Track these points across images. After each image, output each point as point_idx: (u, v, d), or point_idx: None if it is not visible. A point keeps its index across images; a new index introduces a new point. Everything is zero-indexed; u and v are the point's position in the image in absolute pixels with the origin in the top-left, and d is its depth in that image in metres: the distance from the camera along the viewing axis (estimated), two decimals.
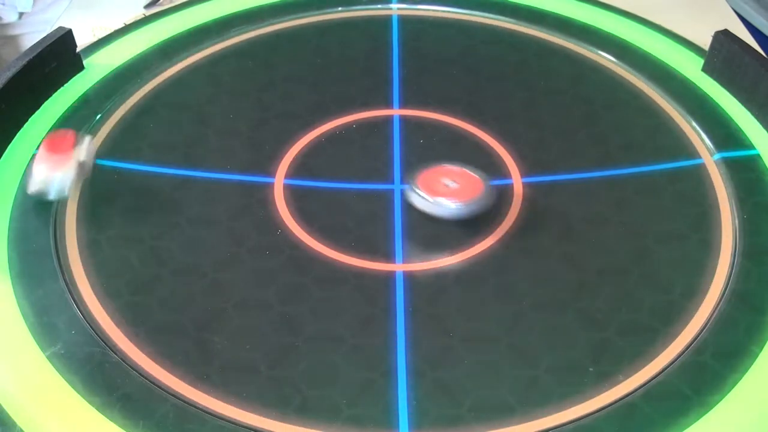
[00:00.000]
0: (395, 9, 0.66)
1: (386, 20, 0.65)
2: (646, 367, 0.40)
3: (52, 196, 0.46)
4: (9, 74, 0.51)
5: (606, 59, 0.61)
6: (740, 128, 0.54)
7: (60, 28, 0.56)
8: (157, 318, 0.42)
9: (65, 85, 0.57)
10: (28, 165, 0.49)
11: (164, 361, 0.40)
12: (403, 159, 0.52)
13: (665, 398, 0.39)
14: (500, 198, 0.49)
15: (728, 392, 0.39)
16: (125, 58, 0.59)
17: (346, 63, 0.60)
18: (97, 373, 0.39)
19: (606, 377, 0.40)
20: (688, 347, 0.41)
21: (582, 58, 0.61)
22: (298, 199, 0.49)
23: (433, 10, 0.66)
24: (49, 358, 0.40)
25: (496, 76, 0.59)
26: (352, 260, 0.46)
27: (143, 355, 0.40)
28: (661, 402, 0.38)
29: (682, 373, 0.40)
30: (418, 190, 0.46)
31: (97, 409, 0.38)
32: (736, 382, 0.39)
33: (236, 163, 0.52)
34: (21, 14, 0.89)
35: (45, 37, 0.55)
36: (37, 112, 0.54)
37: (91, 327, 0.41)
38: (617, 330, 0.42)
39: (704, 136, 0.54)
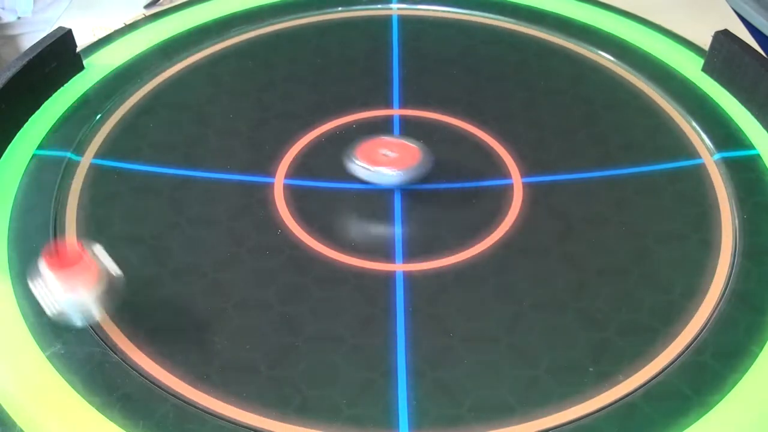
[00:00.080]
0: (395, 9, 0.66)
1: (386, 20, 0.65)
2: (646, 367, 0.40)
3: (79, 321, 0.40)
4: (9, 74, 0.51)
5: (606, 59, 0.61)
6: (740, 128, 0.54)
7: (60, 28, 0.56)
8: (157, 318, 0.42)
9: (65, 85, 0.57)
10: (32, 278, 0.39)
11: (164, 361, 0.40)
12: None
13: (665, 398, 0.39)
14: (500, 198, 0.49)
15: (728, 392, 0.39)
16: (125, 58, 0.59)
17: (346, 63, 0.60)
18: (97, 373, 0.39)
19: (606, 377, 0.40)
20: (688, 347, 0.41)
21: (582, 58, 0.61)
22: (298, 199, 0.49)
23: (433, 10, 0.66)
24: (49, 358, 0.40)
25: (496, 76, 0.59)
26: (352, 260, 0.46)
27: (143, 355, 0.40)
28: (661, 402, 0.38)
29: (682, 373, 0.40)
30: (358, 162, 0.48)
31: (97, 409, 0.38)
32: (736, 382, 0.39)
33: (236, 163, 0.52)
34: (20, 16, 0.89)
35: (45, 37, 0.55)
36: (37, 112, 0.54)
37: (91, 327, 0.41)
38: (617, 330, 0.42)
39: (704, 136, 0.54)
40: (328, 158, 0.52)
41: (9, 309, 0.42)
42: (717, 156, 0.52)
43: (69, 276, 0.38)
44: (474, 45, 0.62)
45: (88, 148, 0.52)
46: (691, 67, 0.59)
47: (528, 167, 0.52)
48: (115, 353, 0.40)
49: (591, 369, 0.40)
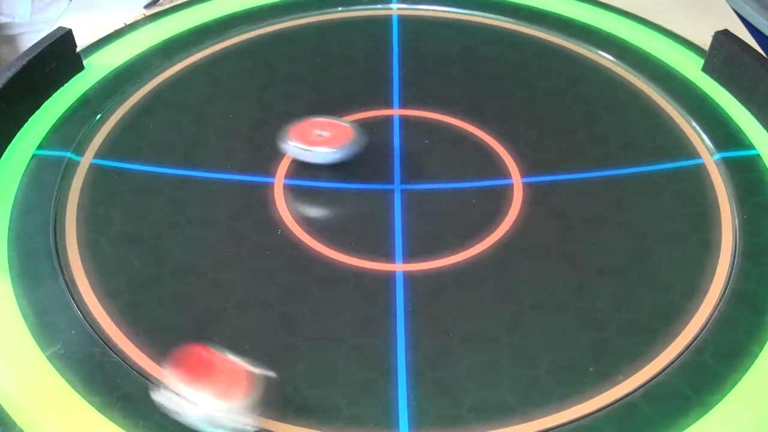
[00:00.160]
0: (395, 9, 0.66)
1: (386, 20, 0.65)
2: (646, 367, 0.40)
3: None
4: (9, 74, 0.51)
5: (606, 59, 0.61)
6: (740, 128, 0.54)
7: (60, 28, 0.56)
8: (157, 318, 0.42)
9: (65, 85, 0.57)
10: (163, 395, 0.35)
11: (164, 361, 0.40)
12: (403, 159, 0.52)
13: (665, 398, 0.39)
14: (500, 198, 0.49)
15: (728, 392, 0.39)
16: (125, 58, 0.59)
17: (346, 63, 0.60)
18: (97, 373, 0.39)
19: (606, 377, 0.40)
20: (688, 347, 0.41)
21: (582, 58, 0.61)
22: (298, 199, 0.49)
23: (433, 10, 0.66)
24: (49, 358, 0.40)
25: (496, 76, 0.59)
26: (352, 260, 0.46)
27: (143, 355, 0.40)
28: (661, 402, 0.38)
29: (682, 373, 0.40)
30: (294, 143, 0.49)
31: (97, 409, 0.38)
32: (736, 382, 0.39)
33: (236, 163, 0.52)
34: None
35: (45, 37, 0.55)
36: (37, 112, 0.54)
37: (91, 327, 0.41)
38: (617, 330, 0.42)
39: (704, 136, 0.54)
40: None
41: (9, 309, 0.42)
42: (717, 156, 0.52)
43: (218, 386, 0.34)
44: (474, 45, 0.62)
45: (88, 148, 0.52)
46: (691, 67, 0.59)
47: (528, 167, 0.52)
48: (115, 353, 0.40)
49: (591, 369, 0.40)
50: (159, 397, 0.35)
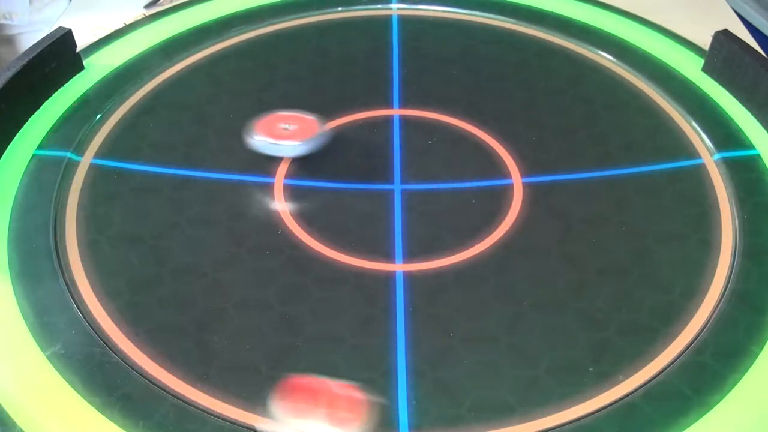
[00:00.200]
0: (395, 9, 0.66)
1: (386, 20, 0.65)
2: (646, 367, 0.40)
3: None
4: (9, 74, 0.51)
5: (606, 59, 0.61)
6: (740, 128, 0.54)
7: (60, 28, 0.56)
8: (157, 318, 0.42)
9: (65, 85, 0.57)
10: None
11: (164, 361, 0.40)
12: (403, 159, 0.52)
13: (665, 398, 0.39)
14: (500, 198, 0.49)
15: (728, 392, 0.39)
16: (125, 58, 0.59)
17: (346, 63, 0.60)
18: (97, 373, 0.39)
19: (606, 377, 0.40)
20: (688, 347, 0.41)
21: (582, 58, 0.61)
22: (298, 199, 0.49)
23: (433, 10, 0.66)
24: (49, 358, 0.40)
25: (496, 76, 0.59)
26: (352, 260, 0.46)
27: (143, 355, 0.40)
28: (661, 402, 0.38)
29: (682, 373, 0.40)
30: (261, 137, 0.49)
31: (97, 409, 0.38)
32: (736, 382, 0.39)
33: (236, 163, 0.52)
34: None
35: (45, 37, 0.55)
36: (37, 112, 0.54)
37: (91, 327, 0.41)
38: (617, 330, 0.42)
39: (704, 136, 0.54)
40: (328, 158, 0.52)
41: (9, 309, 0.42)
42: (717, 156, 0.52)
43: (334, 415, 0.34)
44: (474, 45, 0.62)
45: (88, 148, 0.52)
46: (691, 67, 0.59)
47: (528, 167, 0.52)
48: (115, 353, 0.40)
49: (591, 369, 0.40)
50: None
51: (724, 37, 0.57)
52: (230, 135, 0.54)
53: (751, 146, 0.53)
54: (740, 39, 0.57)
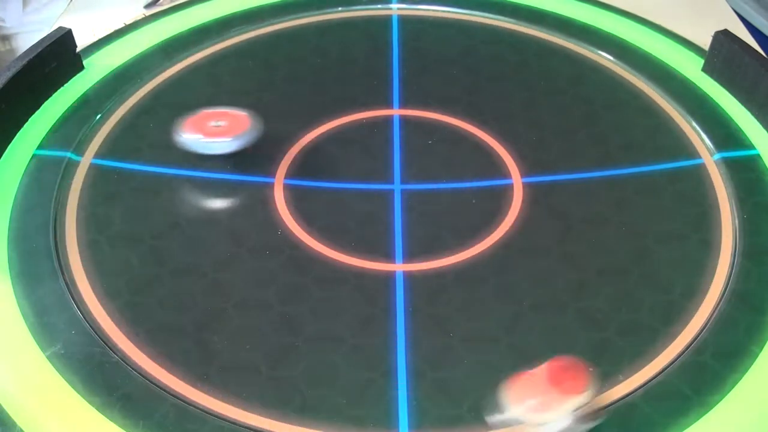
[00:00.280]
0: (395, 9, 0.66)
1: (386, 20, 0.65)
2: (646, 367, 0.40)
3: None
4: (9, 74, 0.51)
5: (606, 59, 0.61)
6: (740, 128, 0.54)
7: (60, 28, 0.56)
8: (157, 318, 0.42)
9: (65, 85, 0.57)
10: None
11: (164, 361, 0.40)
12: (403, 159, 0.52)
13: (665, 398, 0.39)
14: (500, 198, 0.49)
15: (728, 392, 0.39)
16: (125, 58, 0.59)
17: (346, 63, 0.60)
18: (97, 373, 0.39)
19: (606, 377, 0.40)
20: (688, 347, 0.41)
21: (582, 58, 0.61)
22: (298, 199, 0.49)
23: (433, 10, 0.66)
24: (49, 358, 0.40)
25: (496, 76, 0.59)
26: (352, 260, 0.46)
27: (143, 355, 0.40)
28: (661, 402, 0.38)
29: (682, 373, 0.40)
30: (190, 135, 0.49)
31: (97, 409, 0.38)
32: (736, 382, 0.39)
33: (236, 163, 0.52)
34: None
35: (45, 37, 0.55)
36: (37, 112, 0.54)
37: (91, 327, 0.41)
38: (617, 330, 0.42)
39: (704, 136, 0.54)
40: (328, 158, 0.52)
41: (9, 309, 0.42)
42: (717, 156, 0.52)
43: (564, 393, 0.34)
44: (474, 45, 0.62)
45: (88, 148, 0.52)
46: (691, 67, 0.59)
47: (528, 167, 0.52)
48: (115, 353, 0.40)
49: (591, 369, 0.40)
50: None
51: (724, 37, 0.57)
52: None
53: (751, 146, 0.53)
54: (740, 39, 0.57)
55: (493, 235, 0.47)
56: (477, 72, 0.60)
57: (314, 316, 0.43)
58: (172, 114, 0.55)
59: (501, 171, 0.51)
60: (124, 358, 0.40)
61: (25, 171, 0.50)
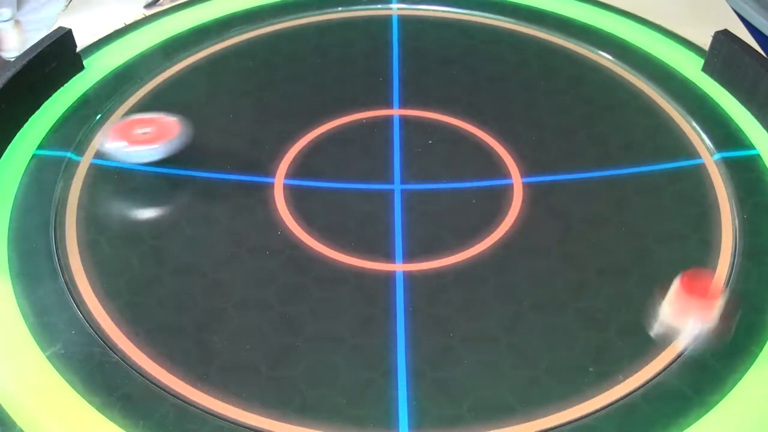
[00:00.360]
0: (395, 9, 0.66)
1: (386, 20, 0.65)
2: (646, 367, 0.40)
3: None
4: (9, 74, 0.51)
5: (606, 59, 0.61)
6: (740, 128, 0.54)
7: (60, 28, 0.56)
8: (157, 318, 0.42)
9: (65, 85, 0.57)
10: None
11: (164, 361, 0.40)
12: (403, 159, 0.52)
13: (665, 398, 0.39)
14: (500, 198, 0.49)
15: (728, 392, 0.39)
16: (125, 58, 0.59)
17: (346, 63, 0.60)
18: (97, 373, 0.39)
19: (606, 377, 0.40)
20: (688, 347, 0.41)
21: (582, 58, 0.61)
22: (298, 199, 0.49)
23: (433, 10, 0.66)
24: (49, 358, 0.40)
25: (496, 76, 0.59)
26: (352, 260, 0.46)
27: (143, 355, 0.40)
28: (661, 402, 0.38)
29: (682, 373, 0.40)
30: (114, 143, 0.48)
31: (97, 409, 0.38)
32: (736, 382, 0.39)
33: (236, 163, 0.52)
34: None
35: (45, 37, 0.55)
36: (37, 112, 0.54)
37: (91, 327, 0.41)
38: (617, 330, 0.42)
39: (704, 136, 0.54)
40: (328, 158, 0.52)
41: (9, 309, 0.42)
42: (717, 156, 0.52)
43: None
44: (474, 45, 0.62)
45: (88, 148, 0.52)
46: (691, 67, 0.59)
47: (528, 167, 0.52)
48: (115, 353, 0.40)
49: (591, 369, 0.40)
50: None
51: (724, 37, 0.57)
52: (230, 135, 0.54)
53: (751, 146, 0.53)
54: (740, 39, 0.57)
55: (493, 235, 0.47)
56: (477, 72, 0.60)
57: (314, 316, 0.43)
58: (172, 114, 0.55)
59: (501, 171, 0.51)
60: (124, 358, 0.40)
61: (25, 171, 0.50)
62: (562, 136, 0.54)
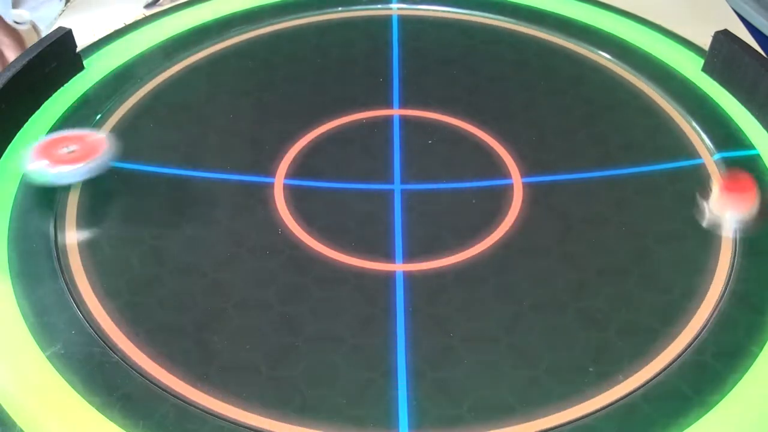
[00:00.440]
0: (395, 9, 0.66)
1: (386, 20, 0.65)
2: (646, 367, 0.40)
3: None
4: (9, 74, 0.51)
5: (606, 59, 0.61)
6: (740, 128, 0.54)
7: (60, 28, 0.56)
8: (157, 318, 0.42)
9: (65, 85, 0.57)
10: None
11: (164, 361, 0.40)
12: (403, 159, 0.52)
13: (665, 398, 0.39)
14: (500, 198, 0.49)
15: (728, 392, 0.39)
16: (125, 58, 0.59)
17: (346, 63, 0.60)
18: (97, 373, 0.39)
19: (606, 377, 0.40)
20: (688, 347, 0.41)
21: (582, 58, 0.61)
22: (298, 199, 0.49)
23: (433, 10, 0.66)
24: (49, 358, 0.40)
25: (496, 76, 0.59)
26: (352, 260, 0.46)
27: (143, 355, 0.40)
28: (661, 402, 0.38)
29: (682, 373, 0.40)
30: (37, 163, 0.46)
31: (97, 409, 0.38)
32: (736, 382, 0.39)
33: (236, 163, 0.52)
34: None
35: (45, 37, 0.55)
36: (37, 112, 0.54)
37: (91, 327, 0.41)
38: (617, 330, 0.42)
39: (704, 136, 0.54)
40: (328, 158, 0.52)
41: (9, 309, 0.42)
42: (717, 156, 0.52)
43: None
44: (474, 45, 0.62)
45: None
46: (691, 67, 0.59)
47: (528, 167, 0.52)
48: (115, 353, 0.40)
49: (591, 369, 0.40)
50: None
51: (724, 37, 0.57)
52: (230, 135, 0.54)
53: (751, 146, 0.53)
54: (740, 39, 0.57)
55: (493, 235, 0.47)
56: (477, 72, 0.60)
57: (314, 316, 0.43)
58: (172, 114, 0.55)
59: (501, 171, 0.51)
60: (124, 358, 0.40)
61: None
62: (562, 136, 0.54)
